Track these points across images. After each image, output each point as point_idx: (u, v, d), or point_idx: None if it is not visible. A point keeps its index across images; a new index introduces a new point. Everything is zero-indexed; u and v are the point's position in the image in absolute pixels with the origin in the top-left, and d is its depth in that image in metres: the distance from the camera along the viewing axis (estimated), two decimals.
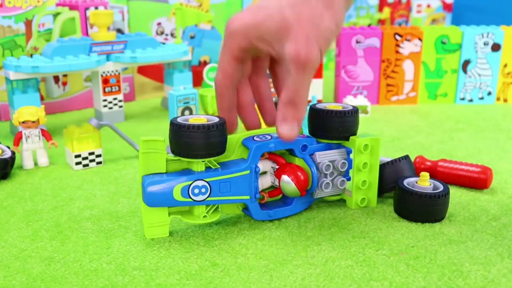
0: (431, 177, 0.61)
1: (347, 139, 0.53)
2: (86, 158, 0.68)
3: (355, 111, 0.52)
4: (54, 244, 0.48)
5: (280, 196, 0.54)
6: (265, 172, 0.52)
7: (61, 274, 0.43)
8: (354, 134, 0.53)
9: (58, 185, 0.62)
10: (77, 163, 0.67)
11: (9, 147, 0.67)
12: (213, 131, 0.45)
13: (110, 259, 0.46)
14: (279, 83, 0.53)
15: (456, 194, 0.59)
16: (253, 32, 0.46)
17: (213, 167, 0.48)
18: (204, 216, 0.49)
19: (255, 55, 0.50)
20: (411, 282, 0.42)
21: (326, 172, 0.52)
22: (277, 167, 0.51)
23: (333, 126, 0.52)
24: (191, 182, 0.46)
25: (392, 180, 0.55)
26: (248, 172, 0.49)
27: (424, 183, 0.53)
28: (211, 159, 0.47)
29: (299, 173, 0.50)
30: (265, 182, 0.52)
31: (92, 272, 0.44)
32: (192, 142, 0.45)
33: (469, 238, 0.49)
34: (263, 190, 0.52)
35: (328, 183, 0.52)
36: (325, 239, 0.49)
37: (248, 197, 0.50)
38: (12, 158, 0.65)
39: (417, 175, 0.58)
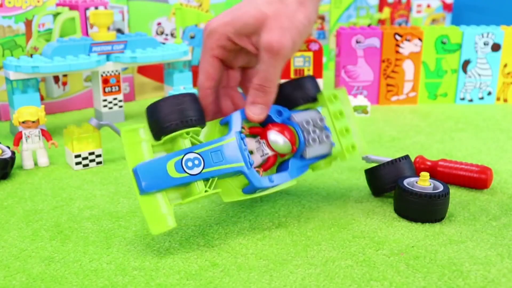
0: (431, 177, 0.61)
1: (315, 100, 0.55)
2: (86, 158, 0.68)
3: (309, 76, 0.56)
4: (54, 244, 0.48)
5: (275, 167, 0.54)
6: (251, 152, 0.52)
7: (61, 274, 0.43)
8: (319, 92, 0.56)
9: (58, 185, 0.62)
10: (77, 163, 0.67)
11: (9, 147, 0.67)
12: (183, 99, 0.47)
13: (110, 259, 0.46)
14: None
15: (456, 194, 0.59)
16: (231, 28, 0.48)
17: (198, 143, 0.48)
18: (206, 191, 0.47)
19: (229, 64, 0.52)
20: (411, 282, 0.42)
21: (307, 127, 0.53)
22: (260, 138, 0.52)
23: (292, 92, 0.55)
24: (182, 156, 0.46)
25: (392, 180, 0.56)
26: (234, 138, 0.49)
27: (424, 183, 0.53)
28: (191, 131, 0.47)
29: (285, 130, 0.51)
30: (255, 161, 0.51)
31: (92, 272, 0.44)
32: (166, 113, 0.46)
33: (469, 238, 0.49)
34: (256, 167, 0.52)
35: (314, 138, 0.53)
36: (325, 239, 0.49)
37: (242, 163, 0.48)
38: (12, 158, 0.65)
39: (417, 175, 0.58)
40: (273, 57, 0.47)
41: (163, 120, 0.46)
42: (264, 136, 0.51)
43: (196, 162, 0.46)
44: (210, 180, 0.48)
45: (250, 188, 0.50)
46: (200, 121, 0.48)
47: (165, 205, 0.46)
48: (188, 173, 0.46)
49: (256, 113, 0.50)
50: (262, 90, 0.49)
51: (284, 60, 0.48)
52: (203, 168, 0.46)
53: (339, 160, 0.55)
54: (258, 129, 0.52)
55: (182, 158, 0.46)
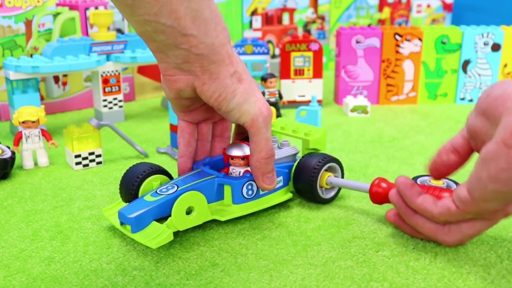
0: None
1: None
2: (86, 158, 0.68)
3: None
4: (54, 244, 0.48)
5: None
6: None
7: (61, 274, 0.43)
8: None
9: (58, 185, 0.62)
10: (77, 163, 0.67)
11: (9, 147, 0.67)
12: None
13: (110, 259, 0.46)
14: None
15: None
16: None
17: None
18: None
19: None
20: (411, 284, 0.42)
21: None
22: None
23: None
24: (156, 189, 0.49)
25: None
26: (199, 170, 0.53)
27: (437, 182, 0.52)
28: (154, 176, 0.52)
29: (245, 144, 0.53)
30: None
31: (92, 272, 0.44)
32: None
33: None
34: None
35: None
36: (325, 239, 0.49)
37: (214, 175, 0.51)
38: (12, 158, 0.65)
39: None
40: None
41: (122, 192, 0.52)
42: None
43: (170, 187, 0.49)
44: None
45: (236, 194, 0.51)
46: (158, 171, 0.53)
47: (157, 226, 0.47)
48: (164, 194, 0.48)
49: (272, 183, 0.51)
50: (269, 162, 0.50)
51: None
52: (177, 189, 0.49)
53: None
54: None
55: (156, 189, 0.49)
